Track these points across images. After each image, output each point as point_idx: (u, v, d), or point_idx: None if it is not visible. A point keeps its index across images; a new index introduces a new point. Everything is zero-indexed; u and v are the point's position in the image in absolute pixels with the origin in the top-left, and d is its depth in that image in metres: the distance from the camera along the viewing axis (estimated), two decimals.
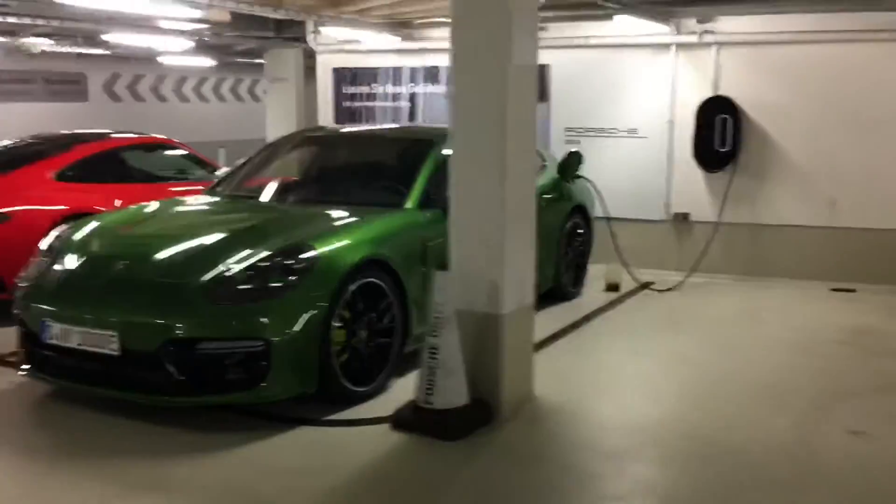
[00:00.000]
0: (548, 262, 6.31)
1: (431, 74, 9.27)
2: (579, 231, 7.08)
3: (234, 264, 4.22)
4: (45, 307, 4.31)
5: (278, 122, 18.07)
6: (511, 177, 4.21)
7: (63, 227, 5.07)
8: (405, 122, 9.36)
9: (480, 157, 4.20)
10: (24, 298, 4.47)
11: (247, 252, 4.31)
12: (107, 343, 4.03)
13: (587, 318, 6.40)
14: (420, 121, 9.36)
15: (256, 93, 27.76)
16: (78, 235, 4.80)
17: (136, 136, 7.69)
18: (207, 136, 22.92)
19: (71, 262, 4.55)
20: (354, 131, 6.92)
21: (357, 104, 9.78)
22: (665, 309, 6.84)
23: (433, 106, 9.28)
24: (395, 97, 9.53)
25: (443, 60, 9.16)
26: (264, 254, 4.28)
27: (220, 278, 4.15)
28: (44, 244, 4.88)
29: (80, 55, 19.70)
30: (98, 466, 3.74)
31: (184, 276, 4.21)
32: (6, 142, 7.48)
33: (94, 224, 4.95)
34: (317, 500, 3.45)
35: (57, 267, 4.54)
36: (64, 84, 21.21)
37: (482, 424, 4.15)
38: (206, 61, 20.69)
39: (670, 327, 6.31)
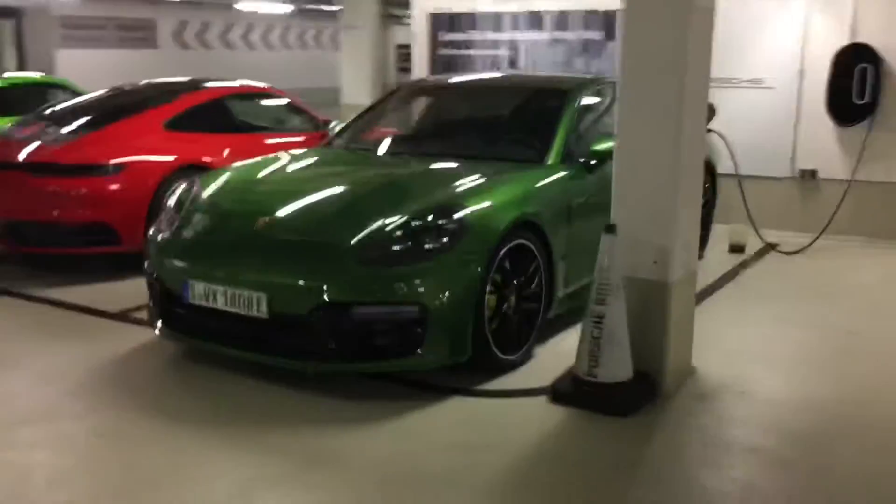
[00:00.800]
0: None
1: (535, 20, 8.82)
2: (705, 188, 6.67)
3: (383, 224, 3.96)
4: (185, 265, 4.11)
5: (353, 71, 17.81)
6: (685, 132, 3.84)
7: (190, 179, 4.84)
8: (507, 71, 8.96)
9: (653, 110, 3.82)
10: (161, 255, 4.28)
11: (394, 211, 4.03)
12: (254, 305, 3.82)
13: (719, 283, 6.03)
14: (522, 70, 8.95)
15: (323, 41, 27.49)
16: (210, 189, 4.58)
17: (238, 84, 7.44)
18: (276, 85, 22.71)
19: (208, 218, 4.34)
20: (480, 80, 6.51)
21: (453, 52, 9.39)
22: (799, 273, 6.42)
23: (536, 54, 8.86)
24: (495, 44, 9.11)
25: (547, 5, 8.73)
26: (413, 213, 4.00)
27: (371, 239, 3.89)
28: (173, 198, 4.68)
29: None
30: (253, 435, 3.56)
31: (333, 235, 3.95)
32: (106, 89, 7.31)
33: (224, 177, 4.72)
34: (493, 479, 3.21)
35: (194, 223, 4.33)
36: (134, 30, 21.19)
37: (648, 400, 3.87)
38: (282, 8, 20.38)
39: (813, 293, 5.90)
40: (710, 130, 6.55)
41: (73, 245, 5.86)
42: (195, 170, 6.19)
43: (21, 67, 19.29)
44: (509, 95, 5.74)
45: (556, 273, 4.47)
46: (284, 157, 5.17)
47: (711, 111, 6.37)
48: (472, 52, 9.26)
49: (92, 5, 19.11)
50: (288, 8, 20.69)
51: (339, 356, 3.80)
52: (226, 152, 6.47)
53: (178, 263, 4.15)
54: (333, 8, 22.00)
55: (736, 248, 6.89)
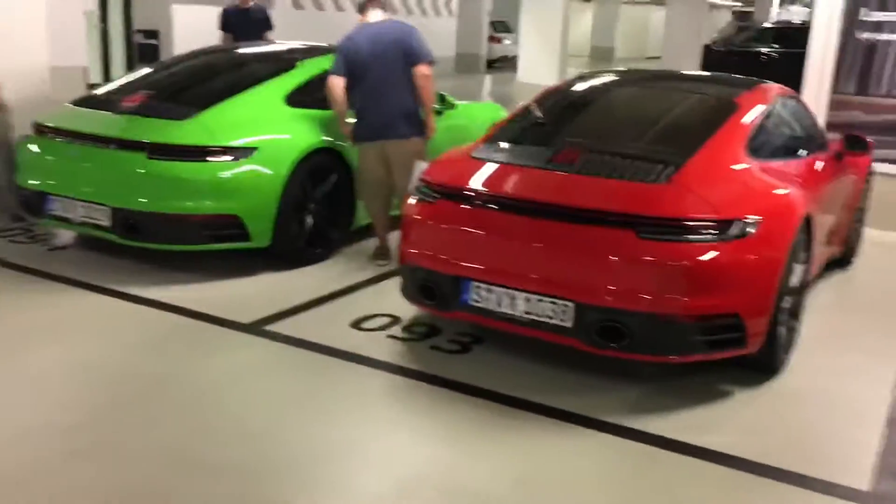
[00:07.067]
0: None
1: None
2: None
3: None
4: None
5: (535, 46, 15.45)
6: None
7: None
8: None
9: None
10: None
11: None
12: None
13: None
14: None
15: (438, 6, 25.05)
16: None
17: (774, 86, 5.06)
18: None
19: None
20: None
21: (883, 37, 7.17)
22: None
23: None
24: None
25: None
26: None
27: None
28: None
29: None
30: None
31: None
32: (586, 78, 5.03)
33: None
34: None
35: None
36: None
37: None
38: None
39: None
40: None
41: (694, 350, 3.65)
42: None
43: (128, 25, 16.71)
44: None
45: None
46: None
47: None
48: None
49: None
50: None
51: None
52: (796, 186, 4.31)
53: None
54: None
55: None
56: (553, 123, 4.50)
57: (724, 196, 3.70)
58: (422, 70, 5.15)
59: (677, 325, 3.53)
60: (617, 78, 5.32)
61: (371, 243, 5.74)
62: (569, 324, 3.61)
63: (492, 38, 27.43)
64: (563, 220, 3.64)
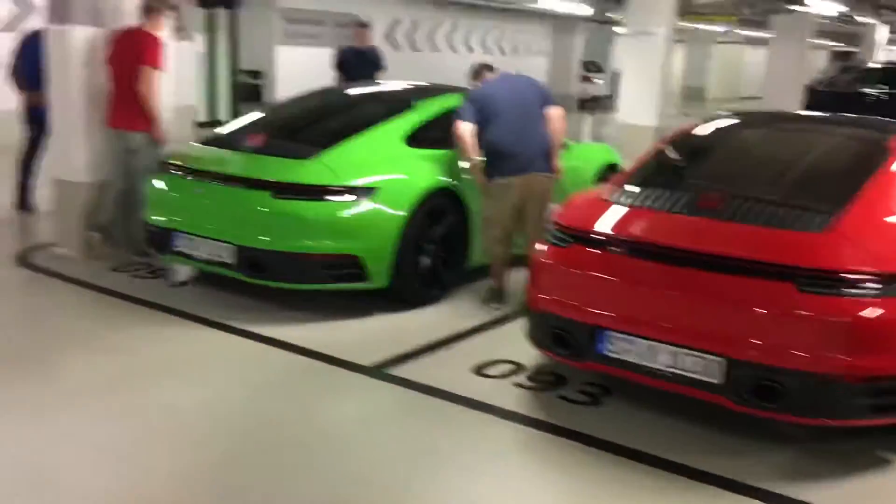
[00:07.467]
0: None
1: None
2: None
3: None
4: None
5: (637, 84, 15.17)
6: None
7: None
8: None
9: None
10: None
11: None
12: None
13: None
14: None
15: (531, 46, 25.24)
16: None
17: None
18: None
19: None
20: None
21: None
22: None
23: None
24: None
25: None
26: None
27: None
28: None
29: None
30: None
31: None
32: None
33: None
34: None
35: None
36: (350, 28, 18.99)
37: None
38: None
39: None
40: None
41: (857, 415, 3.34)
42: None
43: (234, 64, 17.28)
44: None
45: None
46: None
47: None
48: None
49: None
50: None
51: None
52: None
53: None
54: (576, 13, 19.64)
55: None
56: (689, 167, 4.30)
57: (889, 247, 3.44)
58: (557, 111, 5.31)
59: (841, 386, 3.26)
60: (751, 119, 5.11)
61: (481, 285, 5.62)
62: (717, 380, 3.39)
63: (584, 78, 27.33)
64: (712, 269, 3.44)
